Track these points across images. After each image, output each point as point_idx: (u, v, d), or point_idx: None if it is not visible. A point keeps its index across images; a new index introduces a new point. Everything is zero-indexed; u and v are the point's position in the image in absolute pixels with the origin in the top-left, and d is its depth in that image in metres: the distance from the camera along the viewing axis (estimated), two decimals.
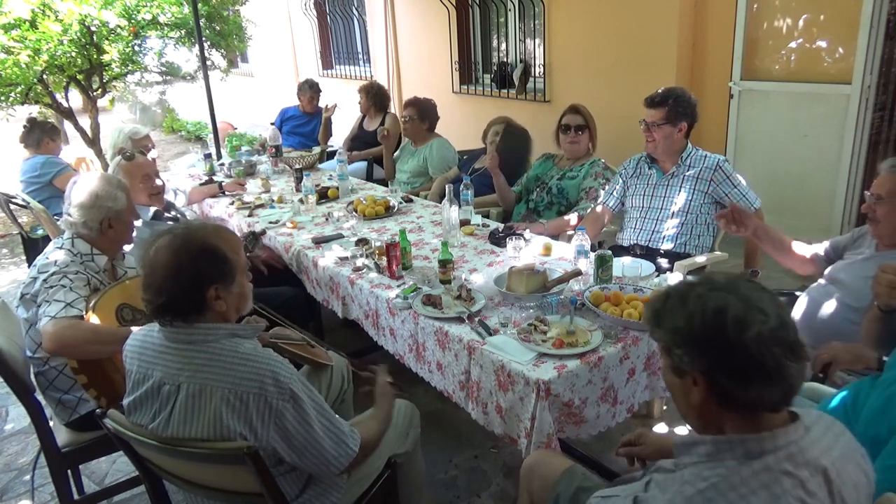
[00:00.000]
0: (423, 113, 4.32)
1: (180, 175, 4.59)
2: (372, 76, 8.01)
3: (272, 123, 5.44)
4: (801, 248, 2.42)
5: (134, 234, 2.76)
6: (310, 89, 5.51)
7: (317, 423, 1.49)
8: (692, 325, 1.06)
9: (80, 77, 5.93)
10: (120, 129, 3.58)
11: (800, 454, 1.03)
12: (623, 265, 2.37)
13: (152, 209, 2.90)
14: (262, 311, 2.16)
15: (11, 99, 5.45)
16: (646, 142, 2.91)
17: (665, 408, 2.79)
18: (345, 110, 6.27)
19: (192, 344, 1.48)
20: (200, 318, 1.49)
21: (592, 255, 2.37)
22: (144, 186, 2.89)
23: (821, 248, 2.40)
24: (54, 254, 2.13)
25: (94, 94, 6.14)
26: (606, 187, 3.18)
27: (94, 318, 1.97)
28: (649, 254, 2.82)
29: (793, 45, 4.41)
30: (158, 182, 2.96)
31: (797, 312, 2.24)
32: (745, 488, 0.99)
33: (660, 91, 2.86)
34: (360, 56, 8.73)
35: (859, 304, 2.04)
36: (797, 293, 2.37)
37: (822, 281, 2.27)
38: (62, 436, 2.16)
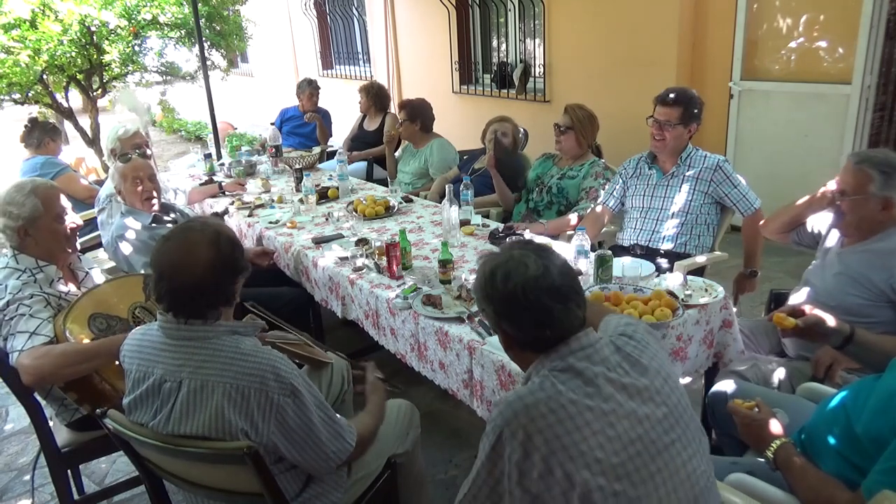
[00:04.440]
0: (413, 113, 4.26)
1: (180, 175, 4.58)
2: (372, 76, 8.00)
3: (272, 123, 5.43)
4: None
5: (134, 237, 2.77)
6: (308, 87, 5.51)
7: (316, 418, 1.50)
8: (479, 285, 1.33)
9: (80, 77, 5.93)
10: (114, 128, 3.57)
11: (595, 354, 1.24)
12: (623, 265, 2.37)
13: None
14: (259, 312, 2.15)
15: (11, 98, 5.45)
16: (653, 139, 2.88)
17: None
18: (345, 110, 6.27)
19: (193, 341, 1.49)
20: (220, 314, 1.52)
21: (592, 256, 2.37)
22: (135, 189, 2.81)
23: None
24: (3, 278, 2.07)
25: (94, 94, 6.14)
26: (606, 187, 3.17)
27: (69, 336, 1.94)
28: (649, 254, 2.82)
29: (793, 45, 4.41)
30: (150, 185, 2.84)
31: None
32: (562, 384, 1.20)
33: (674, 90, 2.84)
34: (360, 56, 8.73)
35: (834, 303, 2.07)
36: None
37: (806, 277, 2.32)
38: (62, 436, 2.16)
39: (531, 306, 1.24)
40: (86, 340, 1.97)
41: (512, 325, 1.29)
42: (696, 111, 2.82)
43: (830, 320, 1.72)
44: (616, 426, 1.16)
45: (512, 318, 1.28)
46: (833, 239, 2.26)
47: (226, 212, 3.55)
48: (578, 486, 1.12)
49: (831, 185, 2.30)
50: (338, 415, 1.59)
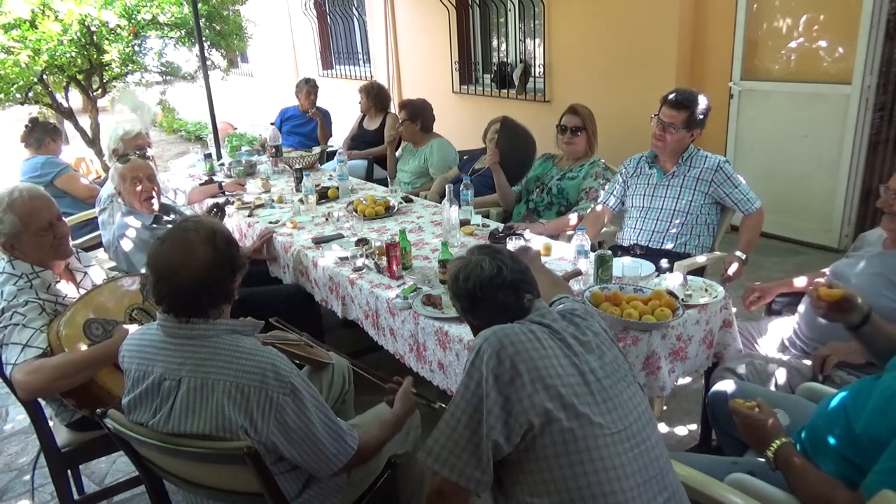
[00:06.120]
0: (413, 113, 4.27)
1: (180, 175, 4.58)
2: (372, 76, 8.01)
3: (272, 123, 5.43)
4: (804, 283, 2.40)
5: (135, 235, 2.78)
6: (306, 85, 5.51)
7: (316, 419, 1.50)
8: (449, 283, 1.58)
9: (80, 77, 5.93)
10: (116, 128, 3.57)
11: (548, 314, 1.49)
12: (623, 265, 2.37)
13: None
14: (283, 326, 2.15)
15: (12, 98, 5.45)
16: (654, 139, 2.87)
17: (665, 408, 2.79)
18: (345, 110, 6.27)
19: (193, 339, 1.49)
20: (220, 312, 1.52)
21: (592, 255, 2.37)
22: (134, 190, 2.81)
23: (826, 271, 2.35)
24: (0, 284, 2.05)
25: (94, 94, 6.13)
26: (606, 187, 3.17)
27: (64, 345, 1.93)
28: (649, 254, 2.81)
29: (793, 45, 4.41)
30: (149, 185, 2.85)
31: (802, 309, 2.24)
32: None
33: (682, 92, 2.83)
34: (360, 56, 8.73)
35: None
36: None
37: (826, 275, 2.27)
38: (62, 436, 2.16)
39: (488, 301, 1.49)
40: (83, 347, 1.95)
41: (475, 318, 1.55)
42: (701, 117, 2.81)
43: (858, 296, 1.78)
44: (572, 358, 1.38)
45: (474, 312, 1.54)
46: (865, 241, 2.24)
47: (226, 203, 3.50)
48: (542, 390, 1.30)
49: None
50: (338, 418, 1.59)
